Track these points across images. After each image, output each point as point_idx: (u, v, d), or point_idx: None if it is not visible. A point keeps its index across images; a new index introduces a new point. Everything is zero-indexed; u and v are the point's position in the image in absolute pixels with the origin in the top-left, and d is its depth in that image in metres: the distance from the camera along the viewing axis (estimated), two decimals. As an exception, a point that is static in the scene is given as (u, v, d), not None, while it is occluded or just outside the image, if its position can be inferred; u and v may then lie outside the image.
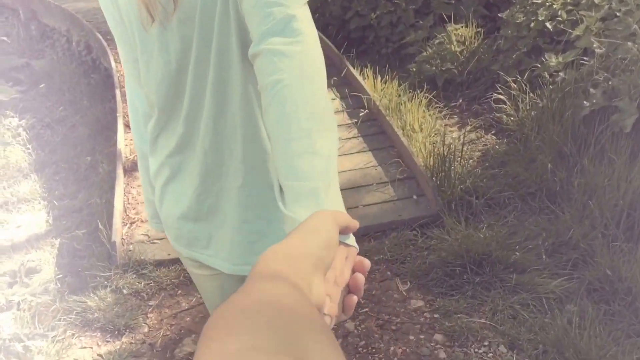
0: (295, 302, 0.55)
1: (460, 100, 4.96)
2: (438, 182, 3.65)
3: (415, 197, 3.61)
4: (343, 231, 0.77)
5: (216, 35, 1.14)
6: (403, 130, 4.26)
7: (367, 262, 0.80)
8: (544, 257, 3.07)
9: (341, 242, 0.78)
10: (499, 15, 5.09)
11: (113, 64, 5.50)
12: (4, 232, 4.01)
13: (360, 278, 0.77)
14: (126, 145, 4.50)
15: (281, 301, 0.54)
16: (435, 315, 2.85)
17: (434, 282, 3.02)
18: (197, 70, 1.20)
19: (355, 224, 0.80)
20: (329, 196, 0.86)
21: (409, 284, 3.07)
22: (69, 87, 6.24)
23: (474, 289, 2.94)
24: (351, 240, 0.80)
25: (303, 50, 0.96)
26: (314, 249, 0.69)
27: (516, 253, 3.07)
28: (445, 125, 4.66)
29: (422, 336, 2.76)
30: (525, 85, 4.34)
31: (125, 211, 3.80)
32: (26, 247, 3.79)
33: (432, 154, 3.90)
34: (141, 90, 1.37)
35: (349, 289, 0.77)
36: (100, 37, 6.05)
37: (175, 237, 1.46)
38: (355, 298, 0.77)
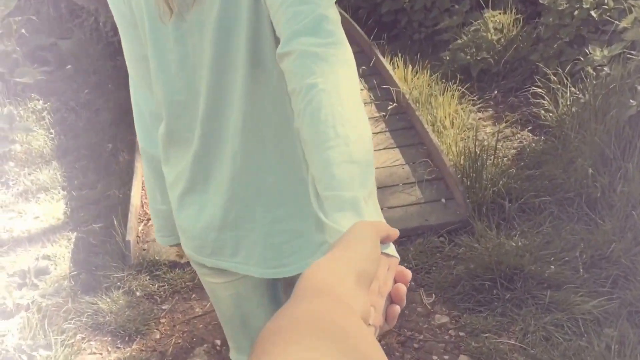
0: (343, 317, 0.56)
1: (496, 92, 4.70)
2: (469, 184, 3.44)
3: (443, 200, 3.41)
4: (383, 240, 0.78)
5: (247, 21, 1.09)
6: (433, 126, 4.04)
7: (408, 273, 0.79)
8: (581, 271, 2.85)
9: (382, 252, 0.77)
10: (540, 1, 4.79)
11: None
12: (21, 223, 3.94)
13: (402, 288, 0.77)
14: (147, 134, 4.37)
15: (331, 315, 0.55)
16: (461, 334, 2.67)
17: (461, 297, 2.83)
18: (218, 63, 1.14)
19: (395, 232, 0.80)
20: (369, 205, 0.85)
21: (433, 296, 2.89)
22: (95, 70, 6.14)
23: (503, 305, 2.74)
24: (392, 250, 0.80)
25: (337, 54, 0.93)
26: (358, 262, 0.69)
27: (551, 267, 2.86)
28: (479, 119, 4.43)
29: (446, 357, 2.58)
30: (566, 79, 4.08)
31: (143, 206, 3.68)
32: (42, 240, 3.70)
33: (463, 152, 3.69)
34: (149, 92, 1.30)
35: (391, 299, 0.77)
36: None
37: (198, 248, 1.40)
38: (398, 308, 0.77)
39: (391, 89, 4.37)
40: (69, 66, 6.36)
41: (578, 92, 3.93)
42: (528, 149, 3.87)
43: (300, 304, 0.57)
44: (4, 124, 4.57)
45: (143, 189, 3.81)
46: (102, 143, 4.83)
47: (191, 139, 1.25)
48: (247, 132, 1.20)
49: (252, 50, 1.12)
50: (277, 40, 1.06)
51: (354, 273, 0.68)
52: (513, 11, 4.91)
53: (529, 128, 4.15)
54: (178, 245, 1.59)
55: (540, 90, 4.22)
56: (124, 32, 1.27)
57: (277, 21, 1.00)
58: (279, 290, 1.61)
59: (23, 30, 6.76)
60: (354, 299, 0.65)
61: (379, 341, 2.57)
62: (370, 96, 4.47)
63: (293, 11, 0.96)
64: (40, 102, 5.53)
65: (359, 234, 0.74)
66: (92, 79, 6.02)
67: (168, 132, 1.28)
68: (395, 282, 0.79)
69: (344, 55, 0.95)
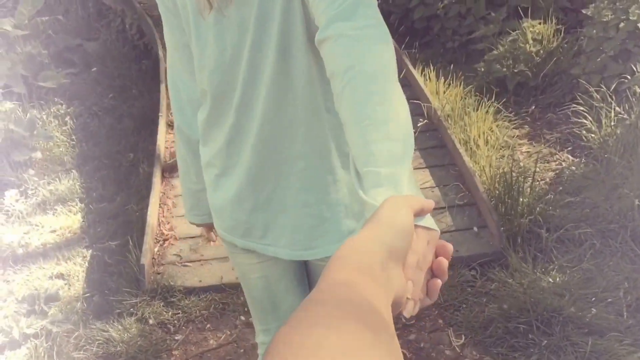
0: (367, 312, 0.55)
1: (533, 107, 4.46)
2: (503, 210, 3.23)
3: (475, 228, 3.20)
4: (418, 213, 0.77)
5: (280, 16, 1.14)
6: (466, 145, 3.83)
7: (449, 246, 0.79)
8: (625, 315, 2.63)
9: (420, 225, 0.77)
10: (583, 11, 4.53)
11: (161, 53, 5.22)
12: (38, 237, 3.83)
13: (444, 262, 0.78)
14: (166, 147, 4.23)
15: (360, 301, 0.56)
16: (493, 382, 2.48)
17: (493, 340, 2.63)
18: (253, 57, 1.19)
19: (430, 204, 0.80)
20: (407, 181, 0.86)
21: (463, 338, 2.69)
22: (120, 73, 6.03)
23: (540, 352, 2.53)
24: (430, 222, 0.79)
25: (373, 35, 0.96)
26: (389, 239, 0.69)
27: (592, 309, 2.64)
28: (515, 136, 4.20)
29: (475, 408, 2.39)
30: (610, 97, 3.83)
31: (160, 225, 3.53)
32: (57, 256, 3.59)
33: (498, 175, 3.47)
34: (188, 77, 1.36)
35: (432, 273, 0.77)
36: (151, 23, 5.78)
37: (230, 228, 1.46)
38: (439, 282, 0.77)
39: (422, 104, 4.16)
40: (94, 69, 6.26)
41: (623, 112, 3.68)
42: (567, 172, 3.64)
43: (331, 290, 0.57)
44: (25, 131, 4.47)
45: (160, 207, 3.67)
46: (123, 152, 4.72)
47: (226, 124, 1.30)
48: (276, 120, 1.25)
49: (282, 44, 1.16)
50: (306, 34, 1.15)
51: (386, 250, 0.68)
52: (553, 21, 4.66)
53: (569, 149, 3.91)
54: (207, 225, 1.68)
55: (581, 108, 3.98)
56: (166, 21, 1.32)
57: (315, 10, 1.04)
58: (308, 275, 1.65)
59: (50, 31, 6.70)
60: (387, 278, 0.65)
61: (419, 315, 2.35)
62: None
63: None
64: (64, 106, 5.44)
65: (390, 209, 0.73)
66: (117, 83, 5.91)
67: (209, 116, 1.33)
68: (436, 255, 0.78)
69: (381, 36, 0.97)
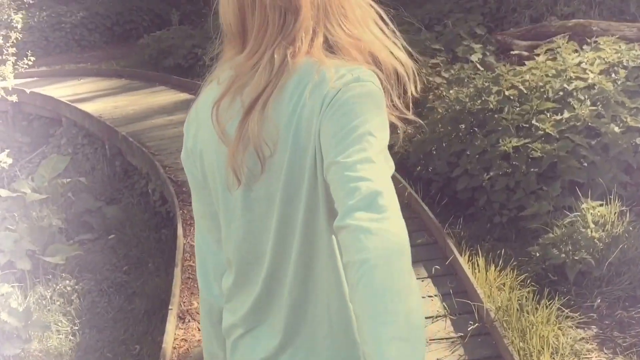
0: None
1: (599, 301, 3.84)
2: None
3: None
4: None
5: (306, 192, 1.18)
6: (525, 357, 3.19)
7: None
8: None
9: None
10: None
11: (180, 229, 4.80)
12: None
13: None
14: (174, 347, 3.67)
15: None
16: None
17: None
18: (281, 230, 1.22)
19: None
20: None
21: None
22: (138, 242, 5.65)
23: None
24: None
25: (389, 228, 1.00)
26: None
27: None
28: (581, 338, 3.56)
29: None
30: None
31: None
32: None
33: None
34: (215, 246, 1.38)
35: None
36: (173, 192, 5.44)
37: None
38: None
39: (471, 303, 3.57)
40: (112, 236, 5.90)
41: None
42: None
43: None
44: (20, 322, 3.99)
45: None
46: (129, 342, 4.21)
47: (253, 292, 1.30)
48: (301, 288, 1.26)
49: (308, 218, 1.20)
50: (329, 207, 1.17)
51: None
52: (616, 200, 4.13)
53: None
54: None
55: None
56: (195, 192, 1.36)
57: (335, 196, 1.08)
58: None
59: (70, 194, 6.44)
60: None
61: None
62: (444, 307, 3.67)
63: (350, 187, 1.04)
64: (72, 282, 5.00)
65: None
66: (134, 253, 5.52)
67: (234, 285, 1.34)
68: None
69: (396, 230, 1.01)
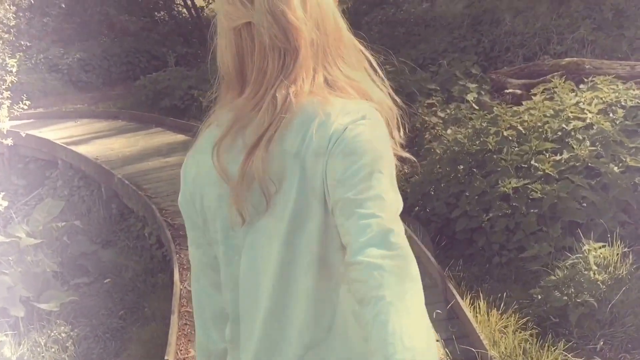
0: None
1: (602, 343, 3.79)
2: None
3: None
4: None
5: (317, 231, 1.16)
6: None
7: None
8: None
9: None
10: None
11: (176, 274, 4.73)
12: None
13: None
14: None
15: None
16: None
17: None
18: (284, 270, 1.20)
19: None
20: None
21: None
22: (134, 286, 5.57)
23: None
24: None
25: (402, 266, 1.03)
26: None
27: None
28: (588, 383, 3.49)
29: None
30: None
31: None
32: None
33: None
34: (213, 290, 1.35)
35: None
36: (170, 237, 5.38)
37: None
38: None
39: (475, 351, 3.51)
40: (107, 280, 5.82)
41: None
42: None
43: None
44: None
45: None
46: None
47: (252, 337, 1.27)
48: (312, 329, 1.22)
49: (321, 255, 1.17)
50: (338, 242, 1.15)
51: None
52: (618, 242, 4.10)
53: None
54: None
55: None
56: (192, 235, 1.33)
57: (344, 232, 1.09)
58: None
59: (65, 237, 6.37)
60: None
61: None
62: (447, 353, 3.61)
63: (361, 224, 1.06)
64: (67, 328, 4.90)
65: None
66: (130, 297, 5.44)
67: (233, 330, 1.32)
68: None
69: (409, 267, 1.04)
